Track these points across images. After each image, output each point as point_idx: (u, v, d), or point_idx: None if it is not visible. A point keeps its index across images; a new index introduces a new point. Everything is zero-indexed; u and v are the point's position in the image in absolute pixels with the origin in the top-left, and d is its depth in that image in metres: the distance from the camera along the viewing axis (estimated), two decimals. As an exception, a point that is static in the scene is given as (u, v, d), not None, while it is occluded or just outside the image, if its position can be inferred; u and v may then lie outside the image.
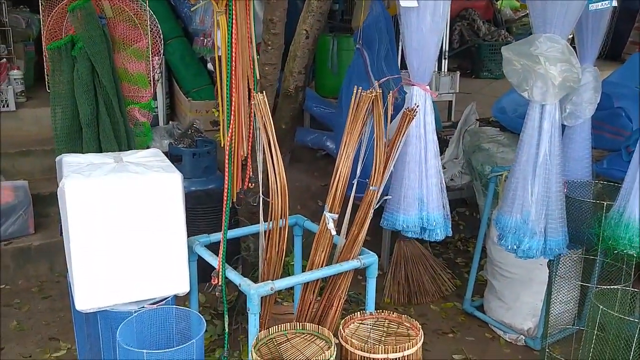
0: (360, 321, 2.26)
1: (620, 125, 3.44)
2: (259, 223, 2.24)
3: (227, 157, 2.13)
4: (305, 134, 5.16)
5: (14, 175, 4.45)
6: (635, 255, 2.34)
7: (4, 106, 4.82)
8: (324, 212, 2.24)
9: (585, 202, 2.65)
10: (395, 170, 2.55)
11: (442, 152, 4.62)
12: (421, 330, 2.14)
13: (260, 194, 2.16)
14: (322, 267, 2.29)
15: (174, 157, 3.96)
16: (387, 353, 2.00)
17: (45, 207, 4.21)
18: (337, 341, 2.12)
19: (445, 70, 6.16)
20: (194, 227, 2.57)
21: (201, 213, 3.93)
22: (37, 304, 3.73)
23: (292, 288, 3.32)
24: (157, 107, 4.94)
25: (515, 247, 2.69)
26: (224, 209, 2.17)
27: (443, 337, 3.57)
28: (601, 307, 2.32)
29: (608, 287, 2.53)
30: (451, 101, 6.20)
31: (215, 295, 3.72)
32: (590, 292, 2.43)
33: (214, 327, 3.44)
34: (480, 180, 4.16)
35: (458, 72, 6.18)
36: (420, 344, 2.08)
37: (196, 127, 4.24)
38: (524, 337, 3.47)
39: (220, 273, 2.20)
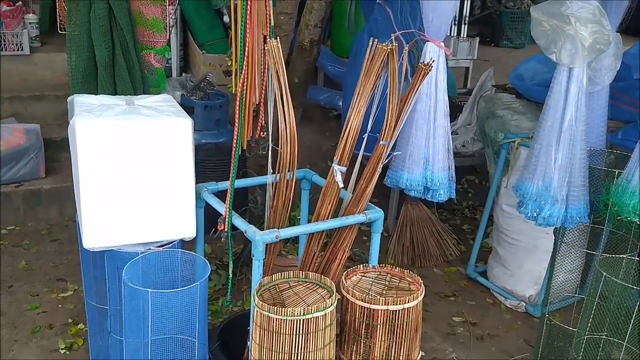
0: (362, 274, 2.28)
1: (637, 97, 3.37)
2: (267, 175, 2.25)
3: (238, 102, 2.12)
4: (319, 92, 5.12)
5: (27, 119, 4.48)
6: (637, 223, 2.32)
7: (18, 50, 4.81)
8: (333, 164, 2.23)
9: (596, 169, 2.62)
10: (403, 128, 2.53)
11: (455, 117, 4.59)
12: (422, 285, 2.15)
13: (270, 142, 2.15)
14: (327, 219, 2.30)
15: (186, 108, 3.89)
16: (388, 305, 2.02)
17: (56, 152, 4.24)
18: (339, 295, 2.14)
19: (464, 36, 6.05)
20: (203, 179, 2.57)
21: (211, 166, 3.94)
22: (45, 246, 3.79)
23: (297, 243, 3.35)
24: (170, 58, 4.91)
25: (535, 215, 2.68)
26: (232, 154, 2.16)
27: (444, 299, 3.60)
28: (604, 274, 2.32)
29: (613, 255, 2.52)
30: (468, 67, 6.11)
31: (220, 247, 3.78)
32: (595, 260, 2.42)
33: (218, 276, 3.49)
34: (492, 147, 4.12)
35: (477, 38, 6.07)
36: (421, 297, 2.09)
37: (209, 79, 4.21)
38: (524, 304, 3.50)
39: (226, 219, 2.21)
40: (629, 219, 2.34)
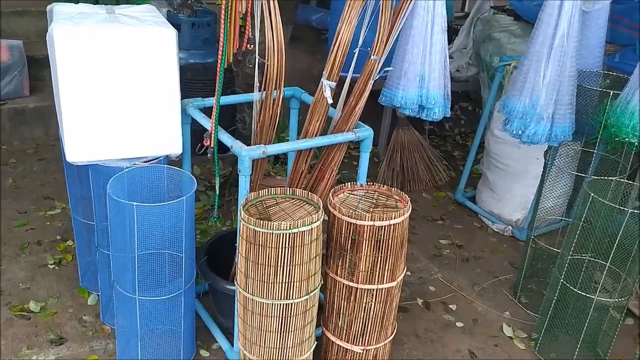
0: (350, 191, 2.27)
1: (638, 20, 3.27)
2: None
3: (223, 13, 2.03)
4: (310, 12, 4.95)
5: (9, 36, 4.32)
6: (635, 144, 2.30)
7: (-3, -39, 4.57)
8: (322, 79, 2.17)
9: (592, 90, 2.57)
10: (398, 44, 2.45)
11: (451, 41, 4.47)
12: (409, 202, 2.14)
13: (257, 55, 2.08)
14: (316, 136, 2.26)
15: (172, 26, 3.82)
16: (374, 221, 2.02)
17: (40, 70, 4.13)
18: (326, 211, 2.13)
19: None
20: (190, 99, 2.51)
21: (199, 86, 3.85)
22: (32, 165, 3.75)
23: (286, 164, 3.32)
24: (156, -27, 4.68)
25: (520, 132, 2.65)
26: (218, 67, 2.09)
27: (432, 223, 3.63)
28: (592, 194, 2.32)
29: (602, 177, 2.52)
30: (466, -10, 5.91)
31: (209, 169, 3.75)
32: (584, 182, 2.42)
33: (207, 197, 3.49)
34: (487, 71, 4.04)
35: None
36: (407, 215, 2.09)
37: (197, -4, 4.04)
38: (511, 228, 3.54)
39: (212, 134, 2.17)
40: (627, 139, 2.31)
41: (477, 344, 2.67)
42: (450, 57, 4.31)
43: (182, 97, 2.31)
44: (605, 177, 2.52)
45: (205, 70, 3.89)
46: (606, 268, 2.40)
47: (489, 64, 3.96)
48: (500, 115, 3.33)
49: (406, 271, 2.23)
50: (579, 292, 2.46)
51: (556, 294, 2.53)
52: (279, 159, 3.68)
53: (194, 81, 3.83)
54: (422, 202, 3.86)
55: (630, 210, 2.23)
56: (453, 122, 5.01)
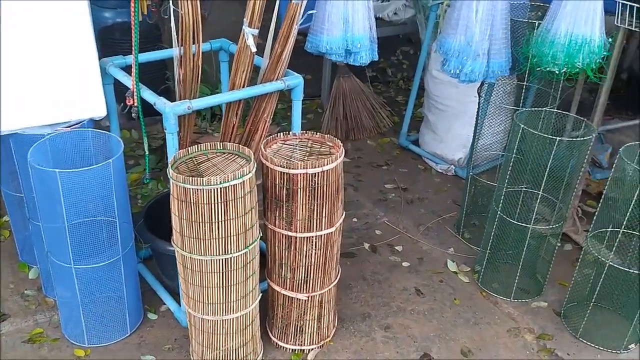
0: (283, 142, 2.23)
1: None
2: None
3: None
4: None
5: None
6: (556, 72, 2.33)
7: None
8: (242, 26, 2.10)
9: (518, 22, 2.58)
10: (321, -14, 2.39)
11: (386, -17, 4.40)
12: (342, 147, 2.13)
13: (171, 5, 1.99)
14: (243, 88, 2.20)
15: (95, -17, 3.63)
16: (307, 168, 2.00)
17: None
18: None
19: None
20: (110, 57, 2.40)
21: (128, 45, 3.69)
22: (-41, 142, 3.57)
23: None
24: None
25: (458, 71, 2.65)
26: (132, 21, 1.99)
27: (377, 169, 3.65)
28: (522, 125, 2.35)
29: (532, 109, 2.55)
30: None
31: (148, 131, 3.64)
32: (515, 114, 2.45)
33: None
34: (423, 12, 4.01)
35: None
36: (340, 160, 2.08)
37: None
38: (454, 167, 3.59)
39: (134, 92, 2.09)
40: (548, 69, 2.33)
41: (422, 281, 2.73)
42: (387, 0, 4.25)
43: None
44: (535, 109, 2.56)
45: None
46: (539, 197, 2.47)
47: (424, 4, 3.92)
48: (437, 55, 3.32)
49: (344, 216, 2.23)
50: (515, 222, 2.52)
51: (495, 227, 2.59)
52: (217, 116, 3.60)
53: (122, 40, 3.67)
54: (367, 149, 3.87)
55: (558, 139, 2.27)
56: (395, 67, 4.99)
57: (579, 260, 2.49)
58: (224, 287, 2.04)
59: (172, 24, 2.02)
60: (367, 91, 4.13)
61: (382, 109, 4.14)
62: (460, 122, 3.46)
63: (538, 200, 2.48)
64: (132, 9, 1.98)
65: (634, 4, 2.38)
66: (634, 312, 2.35)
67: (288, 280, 2.23)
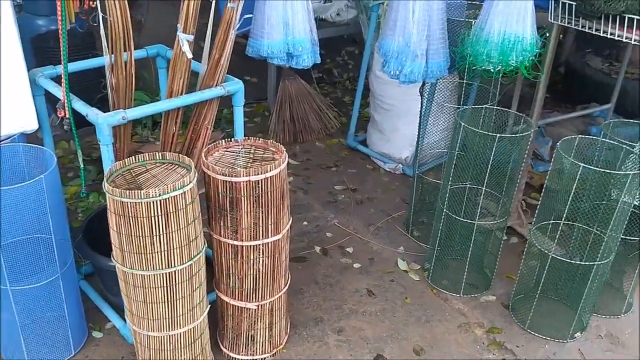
0: (225, 149, 2.19)
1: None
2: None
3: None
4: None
5: None
6: (492, 71, 2.37)
7: None
8: (177, 32, 2.04)
9: (455, 21, 2.61)
10: (259, -11, 2.36)
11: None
12: (285, 153, 2.10)
13: (99, 12, 1.91)
14: (181, 95, 2.15)
15: (26, -10, 3.48)
16: (249, 176, 1.96)
17: None
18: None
19: None
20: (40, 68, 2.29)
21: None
22: None
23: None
24: None
25: (397, 72, 2.65)
26: (60, 30, 1.91)
27: (326, 170, 3.64)
28: (463, 123, 2.38)
29: (473, 106, 2.59)
30: None
31: (89, 142, 3.53)
32: (456, 112, 2.48)
33: (87, 173, 3.28)
34: (365, 12, 4.02)
35: None
36: (283, 165, 2.05)
37: (49, -45, 3.69)
38: (401, 166, 3.61)
39: (65, 104, 2.00)
40: (483, 67, 2.37)
41: (374, 281, 2.74)
42: (329, 1, 4.24)
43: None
44: (477, 106, 2.60)
45: (69, 36, 3.59)
46: (482, 192, 2.50)
47: (366, 5, 3.93)
48: (379, 56, 3.34)
49: (291, 222, 2.21)
50: (461, 219, 2.55)
51: (442, 224, 2.62)
52: (158, 124, 3.51)
53: (57, 49, 3.52)
54: (315, 151, 3.85)
55: (498, 136, 2.31)
56: (341, 68, 5.00)
57: (524, 252, 2.54)
58: (170, 302, 1.98)
59: (102, 32, 1.94)
60: (314, 93, 4.11)
61: (329, 110, 4.13)
62: (405, 121, 3.48)
63: (482, 196, 2.52)
64: (59, 17, 1.90)
65: (565, 1, 2.44)
66: (578, 301, 2.42)
67: (237, 289, 2.19)
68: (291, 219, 2.20)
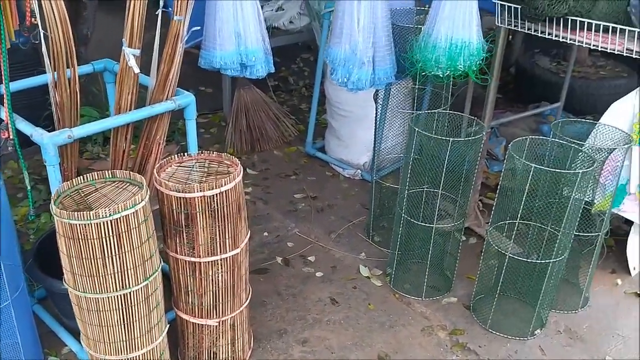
0: (178, 164, 2.14)
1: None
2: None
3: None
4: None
5: None
6: (441, 76, 2.39)
7: None
8: (122, 47, 2.00)
9: (404, 27, 2.63)
10: (207, 1, 2.32)
11: (280, -8, 4.38)
12: (240, 165, 2.07)
13: (40, 28, 1.85)
14: (129, 110, 2.10)
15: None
16: (204, 191, 1.93)
17: None
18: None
19: None
20: None
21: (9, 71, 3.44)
22: None
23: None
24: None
25: (345, 80, 2.66)
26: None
27: (286, 179, 3.62)
28: (416, 129, 2.40)
29: (427, 111, 2.61)
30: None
31: (39, 161, 3.42)
32: (410, 118, 2.50)
33: (38, 192, 3.19)
34: (318, 20, 4.02)
35: None
36: (238, 179, 2.02)
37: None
38: (360, 172, 3.62)
39: (8, 125, 1.93)
40: (432, 73, 2.40)
41: (336, 289, 2.73)
42: (282, 9, 4.24)
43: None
44: (430, 110, 2.62)
45: (13, 54, 3.48)
46: (439, 195, 2.53)
47: (318, 12, 3.94)
48: (327, 63, 3.34)
49: (249, 235, 2.18)
50: (419, 223, 2.57)
51: (401, 228, 2.63)
52: (110, 139, 3.43)
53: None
54: (273, 160, 3.83)
55: (451, 140, 2.34)
56: (297, 75, 4.99)
57: (483, 252, 2.57)
58: (126, 324, 1.92)
59: (43, 49, 1.88)
60: (270, 101, 4.09)
61: (286, 118, 4.11)
62: (362, 126, 3.49)
63: (439, 199, 2.54)
64: (-3, 35, 1.83)
65: (511, 5, 2.49)
66: (536, 298, 2.46)
67: (196, 307, 2.15)
68: (249, 232, 2.17)
